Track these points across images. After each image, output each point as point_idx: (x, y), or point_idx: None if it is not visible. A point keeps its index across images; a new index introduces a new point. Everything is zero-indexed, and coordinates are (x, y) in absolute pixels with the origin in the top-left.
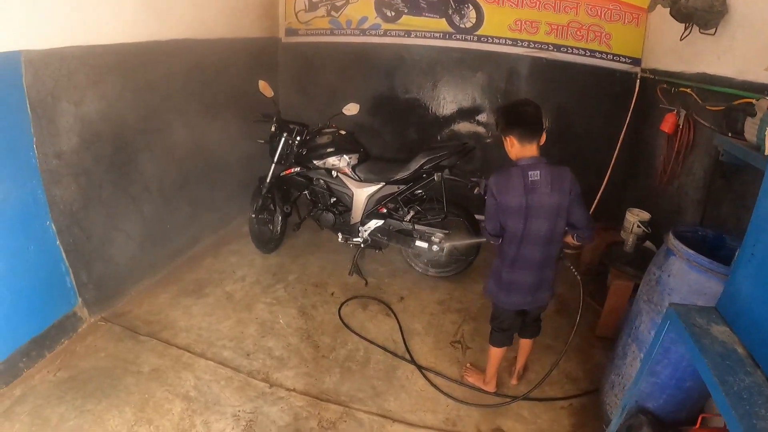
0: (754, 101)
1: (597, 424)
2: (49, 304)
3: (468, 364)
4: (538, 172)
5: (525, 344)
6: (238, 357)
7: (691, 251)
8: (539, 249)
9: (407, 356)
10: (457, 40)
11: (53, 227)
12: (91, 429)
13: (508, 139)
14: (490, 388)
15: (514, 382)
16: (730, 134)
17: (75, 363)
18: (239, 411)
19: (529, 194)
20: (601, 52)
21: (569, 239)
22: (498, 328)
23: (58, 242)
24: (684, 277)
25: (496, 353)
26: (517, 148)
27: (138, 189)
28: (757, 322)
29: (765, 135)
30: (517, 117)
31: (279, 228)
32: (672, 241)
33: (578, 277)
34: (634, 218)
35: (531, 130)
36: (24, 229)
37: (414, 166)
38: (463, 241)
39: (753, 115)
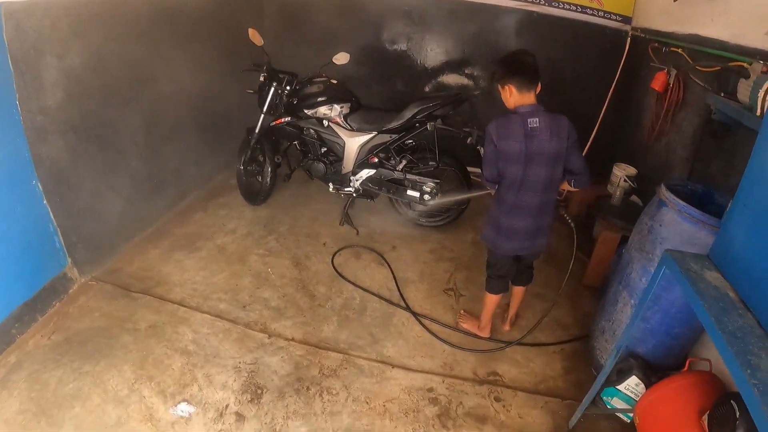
0: (746, 65)
1: (587, 368)
2: (38, 266)
3: (462, 311)
4: (537, 119)
5: (518, 291)
6: (235, 309)
7: (683, 203)
8: (538, 195)
9: (402, 304)
10: None
11: (40, 187)
12: (92, 391)
13: (507, 88)
14: (485, 333)
15: (507, 328)
16: (722, 94)
17: (69, 325)
18: (240, 363)
19: (528, 140)
20: (592, 9)
21: (565, 186)
22: (495, 275)
23: (45, 202)
24: (676, 227)
25: (492, 300)
26: (516, 97)
27: (125, 143)
28: (749, 268)
29: (758, 96)
30: (517, 66)
31: (269, 179)
32: (664, 193)
33: (572, 224)
34: (621, 173)
35: (530, 79)
36: (9, 190)
37: (407, 115)
38: (454, 197)
39: (747, 77)
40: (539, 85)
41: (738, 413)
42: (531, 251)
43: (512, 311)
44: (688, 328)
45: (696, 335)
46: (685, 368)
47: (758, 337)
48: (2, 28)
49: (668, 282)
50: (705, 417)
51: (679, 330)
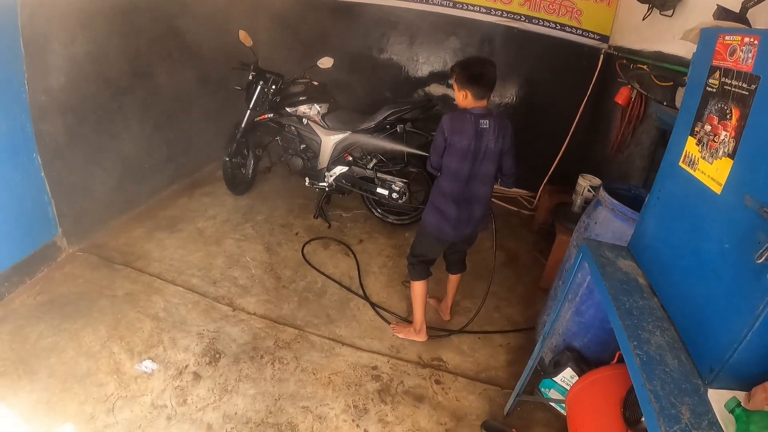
0: (686, 77)
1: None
2: (31, 233)
3: (394, 322)
4: (488, 121)
5: (455, 279)
6: (206, 284)
7: (616, 201)
8: (483, 187)
9: (360, 291)
10: (434, 5)
11: (39, 159)
12: (67, 345)
13: (463, 92)
14: (422, 337)
15: (447, 317)
16: (664, 103)
17: (54, 288)
18: (203, 330)
19: (477, 139)
20: (571, 27)
21: None
22: (423, 261)
23: (42, 174)
24: (608, 224)
25: (421, 290)
26: (470, 101)
27: (119, 128)
28: (657, 255)
29: None
30: (479, 77)
31: (251, 171)
32: (601, 193)
33: (491, 215)
34: (586, 183)
35: (487, 89)
36: (11, 160)
37: (379, 117)
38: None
39: (683, 85)
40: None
41: None
42: (468, 239)
43: (449, 300)
44: None
45: None
46: (614, 360)
47: (657, 318)
48: (18, 15)
49: (588, 267)
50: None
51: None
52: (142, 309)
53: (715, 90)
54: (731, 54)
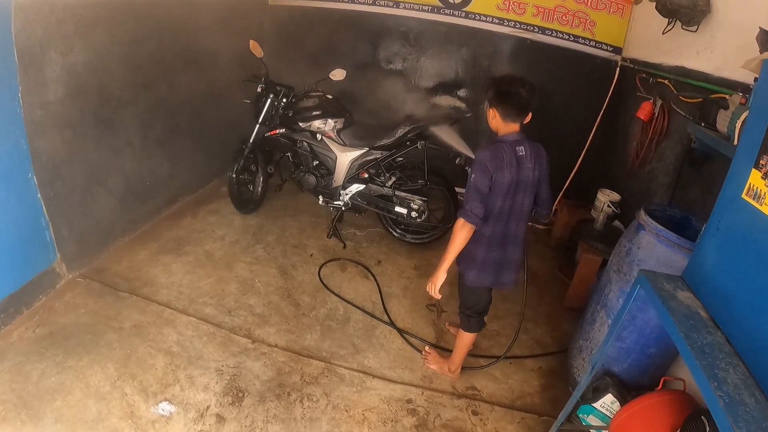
0: (727, 96)
1: (564, 386)
2: (28, 259)
3: (426, 349)
4: (523, 147)
5: None
6: (220, 314)
7: (660, 226)
8: (522, 224)
9: (385, 317)
10: (446, 14)
11: (35, 180)
12: (74, 385)
13: (492, 110)
14: (457, 375)
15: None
16: (702, 124)
17: (54, 319)
18: (223, 366)
19: (519, 169)
20: (584, 38)
21: None
22: (476, 313)
23: (39, 195)
24: (652, 250)
25: (470, 339)
26: (499, 122)
27: (121, 143)
28: (719, 288)
29: (735, 126)
30: (507, 96)
31: (260, 189)
32: (643, 217)
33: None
34: (605, 198)
35: (518, 111)
36: (5, 181)
37: (398, 133)
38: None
39: (726, 108)
40: (529, 115)
41: (708, 428)
42: (511, 282)
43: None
44: (663, 349)
45: (670, 356)
46: (659, 387)
47: (726, 353)
48: (11, 22)
49: (643, 302)
50: None
51: (654, 350)
52: (153, 343)
53: None
54: None
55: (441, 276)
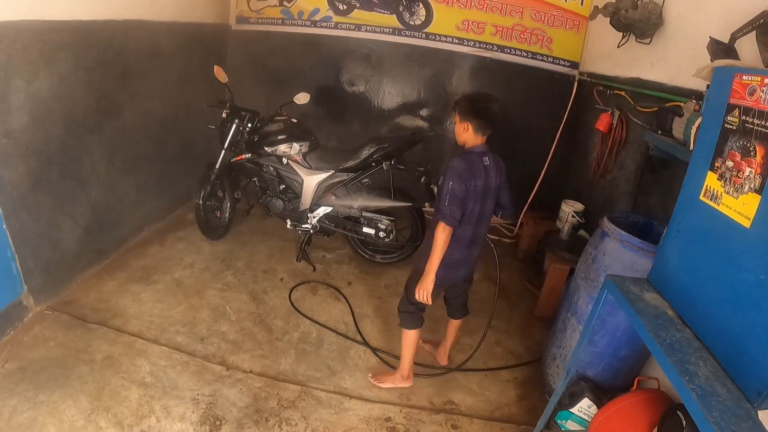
0: (682, 104)
1: (540, 394)
2: None
3: (370, 374)
4: (488, 158)
5: (457, 324)
6: (193, 342)
7: (624, 232)
8: (486, 225)
9: (359, 338)
10: (406, 36)
11: (0, 210)
12: (47, 420)
13: (465, 124)
14: (409, 382)
15: (444, 362)
16: (659, 132)
17: (23, 354)
18: (198, 395)
19: (486, 178)
20: (542, 55)
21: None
22: (418, 309)
23: (4, 226)
24: (618, 255)
25: (413, 339)
26: (470, 135)
27: (86, 172)
28: (684, 287)
29: (690, 132)
30: (483, 111)
31: (227, 215)
32: (607, 224)
33: (491, 244)
34: (569, 209)
35: (490, 125)
36: None
37: (364, 154)
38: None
39: (681, 115)
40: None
41: (684, 422)
42: (468, 278)
43: (449, 344)
44: (634, 350)
45: (643, 357)
46: (634, 387)
47: (696, 348)
48: None
49: (611, 306)
50: (655, 430)
51: (626, 352)
52: (126, 374)
53: (735, 127)
54: (751, 94)
55: (430, 281)
